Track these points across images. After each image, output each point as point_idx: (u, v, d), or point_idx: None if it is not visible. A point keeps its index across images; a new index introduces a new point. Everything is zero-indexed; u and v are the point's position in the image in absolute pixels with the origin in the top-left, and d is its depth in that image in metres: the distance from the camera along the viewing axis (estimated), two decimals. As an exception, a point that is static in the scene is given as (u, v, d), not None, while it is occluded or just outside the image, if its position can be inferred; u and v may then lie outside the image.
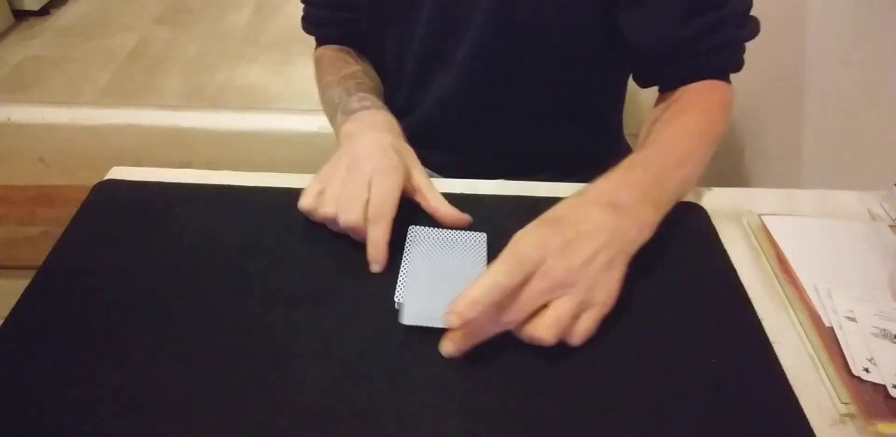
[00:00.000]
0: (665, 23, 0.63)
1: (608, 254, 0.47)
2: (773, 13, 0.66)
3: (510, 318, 0.45)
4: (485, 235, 0.55)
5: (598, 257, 0.47)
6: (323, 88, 0.76)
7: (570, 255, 0.46)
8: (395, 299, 0.49)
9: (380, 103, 0.69)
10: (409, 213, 0.58)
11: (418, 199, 0.58)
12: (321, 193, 0.55)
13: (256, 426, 0.42)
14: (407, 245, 0.54)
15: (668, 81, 0.68)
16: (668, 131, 0.60)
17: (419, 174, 0.59)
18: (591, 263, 0.46)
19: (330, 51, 0.81)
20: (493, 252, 0.53)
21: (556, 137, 0.79)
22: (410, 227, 0.55)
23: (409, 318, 0.47)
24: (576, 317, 0.46)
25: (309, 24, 0.82)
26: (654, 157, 0.57)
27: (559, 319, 0.45)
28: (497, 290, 0.43)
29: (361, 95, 0.69)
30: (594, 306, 0.46)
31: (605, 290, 0.47)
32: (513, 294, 0.44)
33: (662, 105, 0.67)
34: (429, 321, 0.47)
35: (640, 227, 0.50)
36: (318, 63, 0.80)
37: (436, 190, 0.58)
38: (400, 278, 0.51)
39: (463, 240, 0.54)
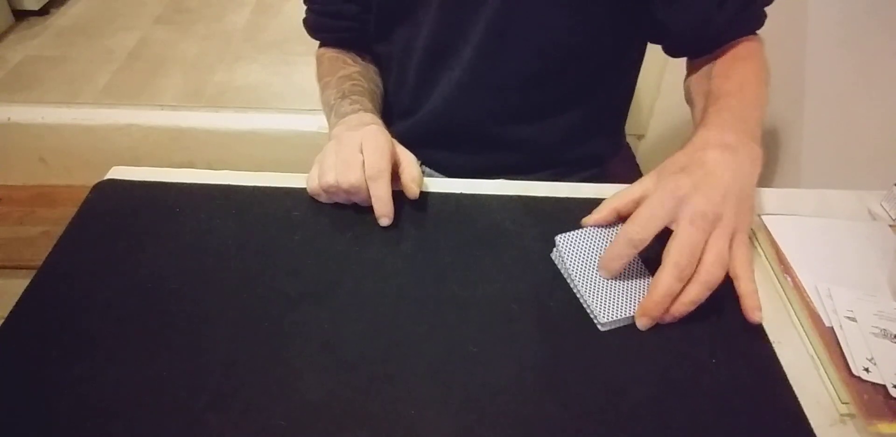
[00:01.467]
0: (703, 11, 0.65)
1: (738, 186, 0.50)
2: (774, 13, 0.66)
3: (688, 270, 0.47)
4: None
5: (731, 189, 0.50)
6: (322, 88, 0.77)
7: (707, 192, 0.49)
8: (601, 320, 0.48)
9: (370, 106, 0.70)
10: (413, 211, 0.58)
11: (399, 171, 0.59)
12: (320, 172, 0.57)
13: (256, 426, 0.42)
14: (561, 257, 0.53)
15: (701, 51, 0.70)
16: (732, 81, 0.63)
17: (401, 149, 0.61)
18: (727, 195, 0.49)
19: (330, 51, 0.81)
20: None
21: (559, 138, 0.80)
22: (557, 237, 0.54)
23: (607, 324, 0.48)
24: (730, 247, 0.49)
25: (310, 28, 0.82)
26: (734, 103, 0.60)
27: (720, 254, 0.48)
28: (633, 244, 0.48)
29: (354, 97, 0.70)
30: (740, 233, 0.49)
31: (746, 216, 0.51)
32: (687, 252, 0.47)
33: (706, 66, 0.69)
34: (624, 319, 0.48)
35: (752, 160, 0.53)
36: (319, 63, 0.81)
37: (415, 167, 0.59)
38: (581, 294, 0.50)
39: (608, 233, 0.54)
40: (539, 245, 0.55)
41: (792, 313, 0.50)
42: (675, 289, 0.47)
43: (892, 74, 0.71)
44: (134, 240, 0.55)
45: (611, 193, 0.55)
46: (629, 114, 0.88)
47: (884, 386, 0.44)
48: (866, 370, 0.45)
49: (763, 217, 0.58)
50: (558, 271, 0.53)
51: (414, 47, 0.75)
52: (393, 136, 0.61)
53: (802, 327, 0.49)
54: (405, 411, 0.43)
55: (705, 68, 0.68)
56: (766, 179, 0.95)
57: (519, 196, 0.61)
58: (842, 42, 0.80)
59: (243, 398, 0.43)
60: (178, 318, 0.49)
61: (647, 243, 0.48)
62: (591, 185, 0.62)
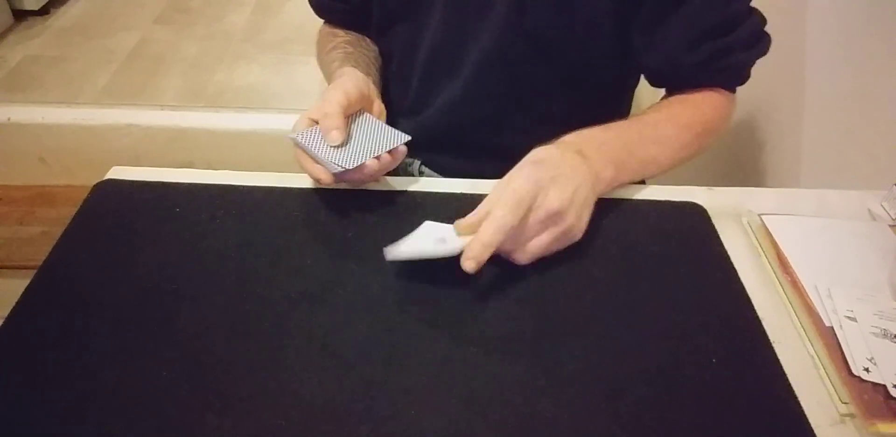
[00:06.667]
0: (673, 48, 0.64)
1: (585, 191, 0.52)
2: (773, 13, 0.66)
3: (510, 247, 0.50)
4: None
5: (579, 191, 0.51)
6: (321, 68, 0.78)
7: (561, 187, 0.50)
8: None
9: (352, 62, 0.71)
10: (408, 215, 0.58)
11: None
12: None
13: (256, 426, 0.42)
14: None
15: (671, 87, 0.70)
16: (655, 114, 0.64)
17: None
18: (576, 194, 0.51)
19: (327, 27, 0.82)
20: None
21: None
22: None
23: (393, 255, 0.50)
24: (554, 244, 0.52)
25: (315, 8, 0.83)
26: (633, 127, 0.61)
27: (542, 246, 0.51)
28: (504, 231, 0.48)
29: (336, 64, 0.71)
30: (569, 239, 0.52)
31: (582, 224, 0.53)
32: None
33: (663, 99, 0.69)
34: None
35: (596, 178, 0.54)
36: (318, 41, 0.82)
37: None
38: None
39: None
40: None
41: (792, 313, 0.50)
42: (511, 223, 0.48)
43: (892, 74, 0.71)
44: (134, 240, 0.55)
45: (610, 193, 0.56)
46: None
47: (884, 386, 0.44)
48: (866, 369, 0.45)
49: (763, 217, 0.58)
50: (558, 270, 0.53)
51: (417, 47, 0.74)
52: None
53: (802, 327, 0.49)
54: (405, 411, 0.43)
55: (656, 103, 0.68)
56: (766, 179, 0.95)
57: (519, 196, 0.61)
58: (841, 42, 0.80)
59: (243, 398, 0.43)
60: (178, 318, 0.49)
61: (515, 228, 0.48)
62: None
